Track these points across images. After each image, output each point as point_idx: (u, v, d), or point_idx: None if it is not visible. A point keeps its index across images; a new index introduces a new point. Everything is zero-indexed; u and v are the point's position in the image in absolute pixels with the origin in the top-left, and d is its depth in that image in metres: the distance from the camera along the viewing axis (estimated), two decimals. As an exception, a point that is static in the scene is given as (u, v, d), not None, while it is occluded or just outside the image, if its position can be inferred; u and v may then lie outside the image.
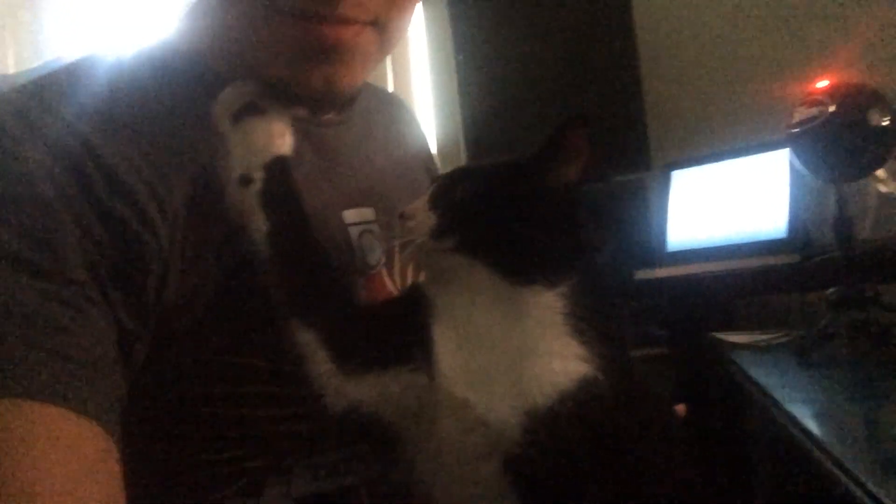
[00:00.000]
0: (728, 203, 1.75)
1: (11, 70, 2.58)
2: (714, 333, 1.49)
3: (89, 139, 0.52)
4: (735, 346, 1.39)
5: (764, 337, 1.40)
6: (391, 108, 0.86)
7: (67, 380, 0.45)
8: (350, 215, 0.67)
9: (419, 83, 2.37)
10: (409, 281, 0.70)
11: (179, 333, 0.55)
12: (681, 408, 0.64)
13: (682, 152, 1.94)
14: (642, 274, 1.72)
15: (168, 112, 0.59)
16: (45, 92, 0.54)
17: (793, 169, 1.58)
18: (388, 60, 2.24)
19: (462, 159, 2.05)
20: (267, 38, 0.59)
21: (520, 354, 0.50)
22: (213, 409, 0.57)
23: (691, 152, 1.92)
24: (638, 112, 1.92)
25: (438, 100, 2.33)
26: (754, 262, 1.59)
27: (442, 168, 0.92)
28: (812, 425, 0.82)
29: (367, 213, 0.68)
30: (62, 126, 0.52)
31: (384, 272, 0.68)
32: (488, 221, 0.55)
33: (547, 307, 0.52)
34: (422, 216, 0.58)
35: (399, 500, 0.63)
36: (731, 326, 1.57)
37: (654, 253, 1.80)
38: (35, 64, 0.58)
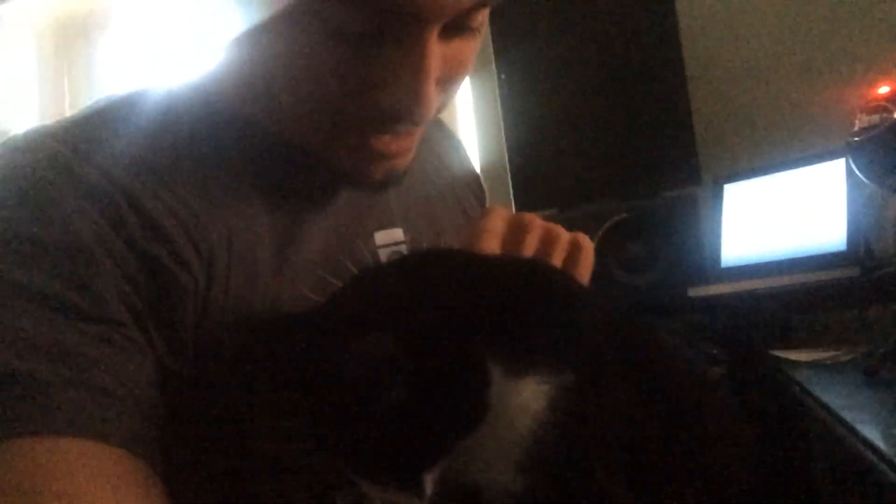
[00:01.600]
0: (784, 216, 1.70)
1: (67, 103, 2.66)
2: (773, 351, 1.44)
3: (124, 184, 0.52)
4: (796, 364, 1.34)
5: (826, 354, 1.34)
6: (430, 131, 0.85)
7: (111, 417, 0.45)
8: (381, 237, 0.67)
9: (461, 103, 2.37)
10: None
11: (220, 372, 0.55)
12: None
13: (734, 165, 1.89)
14: (696, 291, 1.67)
15: (207, 160, 0.59)
16: (80, 139, 0.55)
17: (850, 179, 1.53)
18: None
19: (507, 180, 2.03)
20: (331, 134, 0.59)
21: None
22: (256, 444, 0.56)
23: (743, 165, 1.87)
24: (686, 124, 1.87)
25: (481, 120, 2.32)
26: (813, 277, 1.53)
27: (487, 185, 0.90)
28: (885, 446, 0.78)
29: (396, 233, 0.68)
30: (98, 172, 0.52)
31: None
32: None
33: None
34: None
35: None
36: (789, 344, 1.52)
37: (708, 269, 1.75)
38: (90, 97, 0.59)
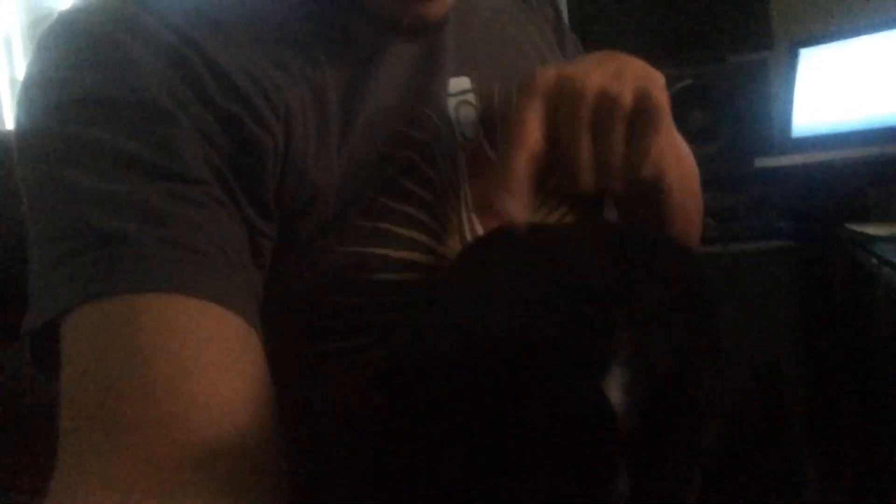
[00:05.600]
0: (863, 84, 1.60)
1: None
2: (847, 225, 1.40)
3: (198, 43, 0.51)
4: (873, 238, 1.30)
5: (904, 228, 1.30)
6: None
7: (205, 272, 0.45)
8: (453, 84, 0.65)
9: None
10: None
11: (306, 233, 0.54)
12: None
13: (811, 28, 1.78)
14: (764, 161, 1.61)
15: (268, 13, 0.57)
16: None
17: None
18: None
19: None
20: None
21: None
22: (338, 297, 0.55)
23: (821, 28, 1.75)
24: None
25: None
26: (891, 148, 1.47)
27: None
28: None
29: (463, 82, 0.66)
30: (168, 29, 0.50)
31: (485, 144, 0.65)
32: None
33: None
34: None
35: None
36: (865, 218, 1.47)
37: (778, 139, 1.67)
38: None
